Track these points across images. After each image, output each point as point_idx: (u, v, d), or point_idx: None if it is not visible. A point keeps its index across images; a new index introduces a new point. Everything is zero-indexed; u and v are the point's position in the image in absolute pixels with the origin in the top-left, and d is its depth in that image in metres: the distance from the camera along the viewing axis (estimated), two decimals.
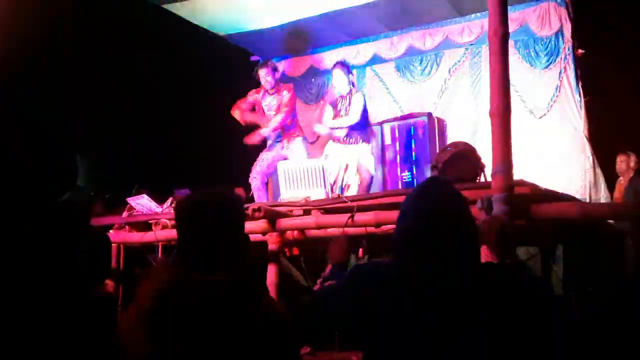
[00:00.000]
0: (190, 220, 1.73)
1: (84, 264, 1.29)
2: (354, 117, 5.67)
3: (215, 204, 1.76)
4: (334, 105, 5.90)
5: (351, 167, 5.65)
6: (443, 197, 1.57)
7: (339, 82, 5.84)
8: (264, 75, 5.95)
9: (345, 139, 5.73)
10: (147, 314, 1.58)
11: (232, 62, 8.33)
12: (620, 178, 6.30)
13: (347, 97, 5.80)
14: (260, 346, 1.58)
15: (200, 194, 1.81)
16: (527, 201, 3.44)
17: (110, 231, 5.06)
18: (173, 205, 4.98)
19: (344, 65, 5.96)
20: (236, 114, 6.16)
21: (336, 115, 5.83)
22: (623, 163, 6.25)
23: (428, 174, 5.99)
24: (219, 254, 1.70)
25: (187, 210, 1.76)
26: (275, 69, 6.03)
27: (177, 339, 1.55)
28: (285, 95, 5.94)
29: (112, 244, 5.03)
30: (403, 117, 6.82)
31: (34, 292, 1.06)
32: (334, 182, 5.53)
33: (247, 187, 6.26)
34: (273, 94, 6.00)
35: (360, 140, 5.72)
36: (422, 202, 1.57)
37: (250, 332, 1.57)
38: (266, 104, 6.08)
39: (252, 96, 6.19)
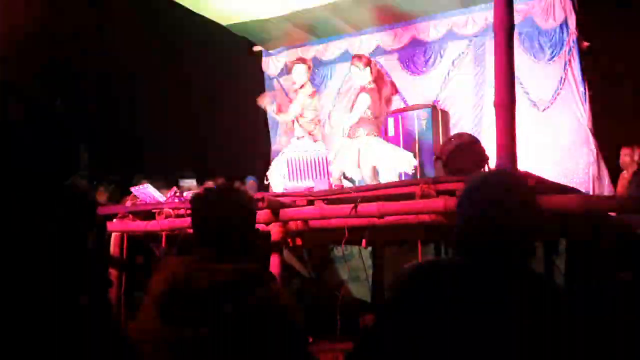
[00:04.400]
0: (206, 212, 1.83)
1: (94, 251, 1.30)
2: (355, 115, 5.65)
3: (229, 197, 1.86)
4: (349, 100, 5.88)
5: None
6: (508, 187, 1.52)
7: (355, 77, 5.79)
8: (300, 71, 5.94)
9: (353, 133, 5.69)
10: (160, 299, 1.63)
11: (234, 52, 8.33)
12: (624, 171, 6.29)
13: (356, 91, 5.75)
14: (268, 333, 1.60)
15: (216, 188, 1.96)
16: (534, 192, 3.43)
17: (114, 220, 5.07)
18: (177, 194, 4.99)
19: (360, 59, 5.79)
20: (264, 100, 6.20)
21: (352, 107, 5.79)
22: (627, 156, 6.24)
23: (432, 165, 6.00)
24: (232, 244, 1.78)
25: (203, 203, 1.86)
26: (310, 68, 6.03)
27: (189, 323, 1.58)
28: (305, 91, 5.94)
29: (116, 233, 5.04)
30: (406, 109, 6.82)
31: (50, 281, 1.06)
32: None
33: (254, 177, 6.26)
34: (297, 90, 5.99)
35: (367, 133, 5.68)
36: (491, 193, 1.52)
37: (258, 319, 1.60)
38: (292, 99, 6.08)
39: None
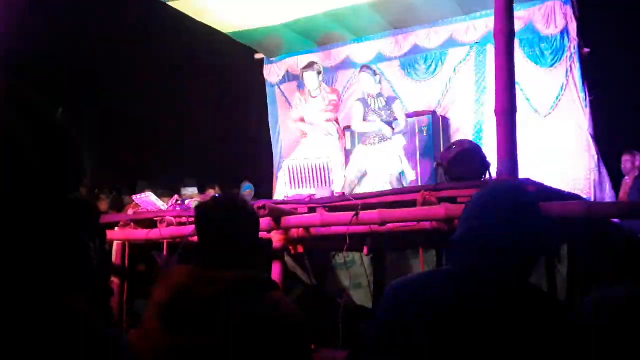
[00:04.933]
0: (212, 220, 1.84)
1: (97, 262, 1.30)
2: (402, 123, 5.81)
3: (235, 206, 1.87)
4: (365, 103, 5.90)
5: (395, 162, 5.68)
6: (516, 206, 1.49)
7: (366, 84, 5.86)
8: (309, 78, 5.97)
9: (375, 139, 5.76)
10: (163, 307, 1.63)
11: (236, 59, 8.35)
12: (626, 177, 6.28)
13: (380, 97, 5.84)
14: (271, 341, 1.59)
15: (222, 196, 2.00)
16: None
17: (116, 228, 5.07)
18: (178, 203, 4.99)
19: (369, 68, 5.95)
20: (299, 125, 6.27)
21: (367, 112, 5.84)
22: (628, 162, 6.23)
23: (433, 172, 6.00)
24: (236, 253, 1.79)
25: (209, 212, 1.88)
26: (319, 72, 6.06)
27: (192, 331, 1.58)
28: (335, 98, 6.03)
29: (118, 242, 5.04)
30: (407, 116, 6.82)
31: (50, 291, 1.05)
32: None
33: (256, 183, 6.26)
34: (315, 96, 6.02)
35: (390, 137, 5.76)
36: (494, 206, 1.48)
37: (262, 327, 1.60)
38: (309, 107, 6.09)
39: (298, 104, 6.22)
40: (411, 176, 5.88)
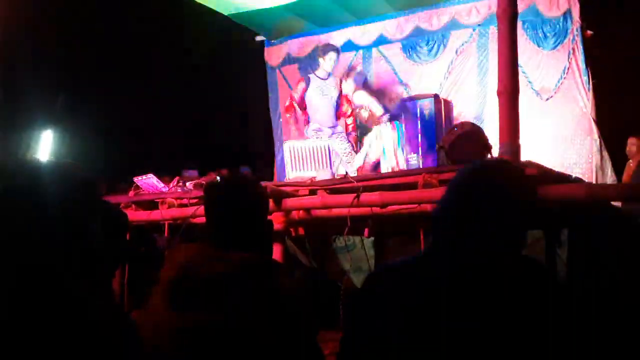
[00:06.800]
0: (222, 200, 1.84)
1: (98, 243, 1.28)
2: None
3: (245, 187, 1.87)
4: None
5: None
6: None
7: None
8: (330, 58, 5.95)
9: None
10: (170, 285, 1.64)
11: (236, 41, 8.30)
12: (630, 161, 6.26)
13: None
14: (276, 323, 1.60)
15: (232, 177, 2.03)
16: (534, 182, 3.42)
17: None
18: (179, 185, 4.99)
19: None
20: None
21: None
22: (634, 146, 6.20)
23: (434, 155, 5.99)
24: (245, 234, 1.79)
25: (219, 191, 1.87)
26: (339, 53, 6.07)
27: (197, 310, 1.59)
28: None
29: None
30: (409, 99, 6.79)
31: (48, 270, 1.05)
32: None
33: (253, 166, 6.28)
34: (326, 78, 6.00)
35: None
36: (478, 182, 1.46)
37: (269, 307, 1.60)
38: (317, 87, 6.06)
39: (297, 92, 6.20)
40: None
